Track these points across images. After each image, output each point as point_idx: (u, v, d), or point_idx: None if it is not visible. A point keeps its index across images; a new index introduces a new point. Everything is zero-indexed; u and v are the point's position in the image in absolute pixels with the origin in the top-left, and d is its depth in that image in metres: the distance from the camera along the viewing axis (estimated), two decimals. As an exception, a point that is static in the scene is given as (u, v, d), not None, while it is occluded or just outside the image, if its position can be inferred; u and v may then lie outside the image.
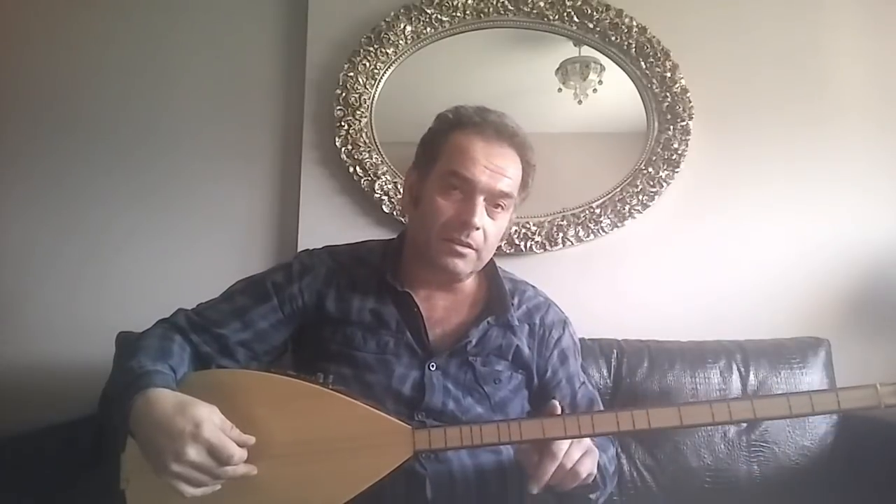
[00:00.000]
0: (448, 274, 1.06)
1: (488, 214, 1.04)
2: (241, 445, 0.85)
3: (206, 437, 0.81)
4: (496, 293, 1.12)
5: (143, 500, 0.89)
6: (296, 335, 1.12)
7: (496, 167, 1.02)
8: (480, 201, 1.01)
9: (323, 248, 1.18)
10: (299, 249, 1.25)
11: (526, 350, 1.11)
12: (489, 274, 1.15)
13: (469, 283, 1.13)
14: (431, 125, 1.11)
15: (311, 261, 1.13)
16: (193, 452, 0.80)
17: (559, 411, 0.88)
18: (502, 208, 1.05)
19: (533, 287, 1.21)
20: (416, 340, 1.06)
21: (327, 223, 1.77)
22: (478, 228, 1.02)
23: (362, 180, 1.76)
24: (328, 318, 1.08)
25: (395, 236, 1.20)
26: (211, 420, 0.83)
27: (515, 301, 1.14)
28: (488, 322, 1.09)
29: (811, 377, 1.51)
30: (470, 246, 1.03)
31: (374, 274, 1.11)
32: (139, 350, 0.96)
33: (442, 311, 1.10)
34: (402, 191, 1.12)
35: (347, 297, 1.09)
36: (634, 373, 1.51)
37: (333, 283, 1.10)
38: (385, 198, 1.75)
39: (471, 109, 1.07)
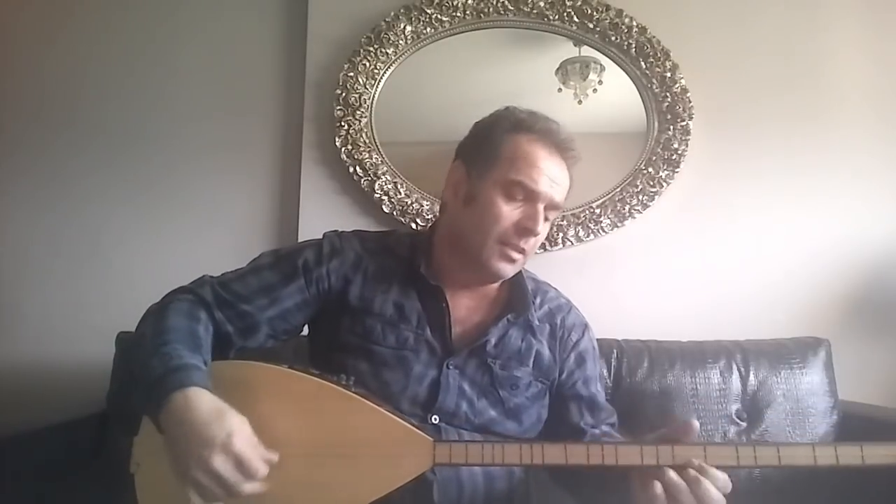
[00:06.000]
0: (492, 276, 1.06)
1: None
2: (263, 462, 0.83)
3: (237, 450, 0.79)
4: (518, 292, 1.10)
5: (152, 484, 0.88)
6: (314, 319, 1.09)
7: (556, 179, 1.02)
8: (542, 209, 1.01)
9: (352, 231, 1.15)
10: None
11: (546, 353, 1.09)
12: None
13: (493, 284, 1.11)
14: (485, 120, 1.08)
15: (341, 244, 1.10)
16: (220, 462, 0.78)
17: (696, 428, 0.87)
18: (548, 218, 1.05)
19: (555, 289, 1.19)
20: (436, 337, 1.04)
21: (327, 223, 1.73)
22: (537, 235, 1.02)
23: (362, 180, 1.76)
24: (349, 306, 1.05)
25: (423, 228, 1.16)
26: (242, 432, 0.81)
27: (537, 301, 1.13)
28: (508, 319, 1.07)
29: (811, 377, 1.51)
30: (524, 252, 1.03)
31: (402, 265, 1.09)
32: (169, 331, 0.92)
33: (465, 309, 1.08)
34: (444, 184, 1.10)
35: (372, 286, 1.06)
36: (634, 373, 1.51)
37: (361, 270, 1.08)
38: (385, 198, 1.75)
39: (527, 113, 1.06)
